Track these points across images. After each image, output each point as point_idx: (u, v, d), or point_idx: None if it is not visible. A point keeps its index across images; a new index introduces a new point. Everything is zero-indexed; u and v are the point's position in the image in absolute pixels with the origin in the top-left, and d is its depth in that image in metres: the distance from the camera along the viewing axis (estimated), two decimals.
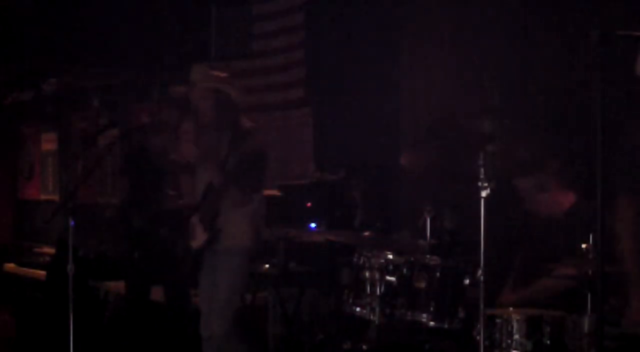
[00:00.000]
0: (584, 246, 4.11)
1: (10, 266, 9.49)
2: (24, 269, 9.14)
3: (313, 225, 6.30)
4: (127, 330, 6.82)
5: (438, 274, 4.38)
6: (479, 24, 6.19)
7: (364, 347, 4.62)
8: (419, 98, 6.70)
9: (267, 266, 6.20)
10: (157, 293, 6.62)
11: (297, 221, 6.43)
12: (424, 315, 4.35)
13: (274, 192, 6.74)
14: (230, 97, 5.15)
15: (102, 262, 7.93)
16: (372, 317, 4.48)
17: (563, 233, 4.78)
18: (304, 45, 7.74)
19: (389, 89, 6.95)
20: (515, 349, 4.15)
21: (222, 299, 5.10)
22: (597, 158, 3.13)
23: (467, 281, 4.36)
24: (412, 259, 4.46)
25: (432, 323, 4.35)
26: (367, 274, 4.53)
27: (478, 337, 4.05)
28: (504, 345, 4.16)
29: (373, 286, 4.49)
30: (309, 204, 6.51)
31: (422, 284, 4.38)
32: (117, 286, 7.29)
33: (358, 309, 4.58)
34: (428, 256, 4.49)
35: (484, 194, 3.97)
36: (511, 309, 4.39)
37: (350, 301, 4.63)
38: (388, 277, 4.48)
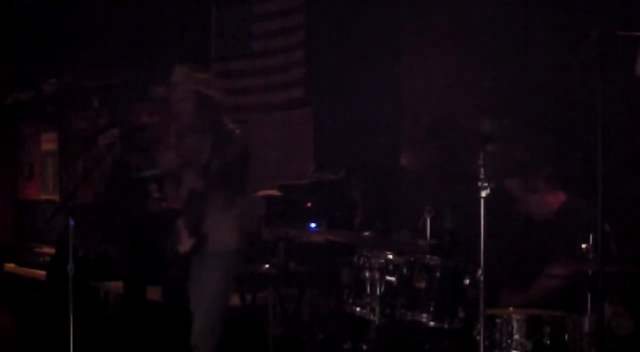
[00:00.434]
0: (584, 246, 4.11)
1: (10, 266, 9.50)
2: (24, 269, 9.15)
3: (313, 225, 6.30)
4: (126, 330, 6.83)
5: (438, 274, 4.38)
6: (479, 24, 6.19)
7: (364, 347, 4.62)
8: (419, 98, 6.70)
9: (267, 266, 6.20)
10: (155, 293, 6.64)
11: (297, 221, 6.43)
12: (424, 315, 4.35)
13: (274, 192, 6.74)
14: (211, 99, 5.07)
15: (102, 262, 7.93)
16: (372, 317, 4.48)
17: (555, 233, 4.79)
18: (304, 45, 7.74)
19: (389, 89, 6.95)
20: (515, 349, 4.15)
21: (207, 302, 5.06)
22: (597, 158, 3.13)
23: (467, 281, 4.36)
24: (412, 259, 4.46)
25: (432, 323, 4.35)
26: (367, 274, 4.53)
27: (478, 337, 4.05)
28: (504, 345, 4.16)
29: (373, 286, 4.49)
30: (309, 204, 6.51)
31: (422, 284, 4.38)
32: (117, 286, 7.29)
33: (358, 309, 4.58)
34: (428, 256, 4.49)
35: (484, 194, 3.97)
36: (511, 309, 4.39)
37: (350, 301, 4.63)
38: (388, 277, 4.48)
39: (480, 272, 3.96)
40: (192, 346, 5.06)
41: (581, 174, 5.10)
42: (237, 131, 5.14)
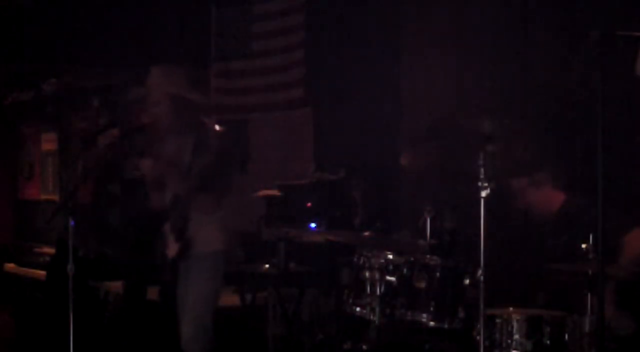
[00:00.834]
0: (584, 246, 4.11)
1: (10, 266, 9.49)
2: (24, 269, 9.15)
3: (313, 225, 6.30)
4: (126, 330, 6.84)
5: (438, 274, 4.38)
6: (479, 24, 6.19)
7: (364, 347, 4.62)
8: (419, 98, 6.70)
9: (267, 266, 6.20)
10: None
11: (297, 221, 6.43)
12: (424, 315, 4.35)
13: (274, 192, 6.74)
14: (188, 100, 4.98)
15: (102, 262, 7.93)
16: (372, 317, 4.48)
17: (556, 232, 4.79)
18: (304, 45, 7.74)
19: (389, 89, 6.95)
20: (515, 349, 4.15)
21: (195, 304, 5.03)
22: (597, 158, 3.13)
23: (467, 281, 4.36)
24: (412, 259, 4.46)
25: (432, 323, 4.35)
26: (367, 274, 4.53)
27: (478, 337, 4.05)
28: (504, 345, 4.17)
29: (373, 286, 4.49)
30: (309, 204, 6.51)
31: (422, 284, 4.38)
32: (117, 286, 7.29)
33: (358, 309, 4.58)
34: (428, 256, 4.49)
35: (484, 194, 3.97)
36: (511, 309, 4.39)
37: (350, 301, 4.63)
38: (388, 277, 4.48)
39: (480, 272, 3.96)
40: (182, 349, 5.04)
41: (581, 173, 5.10)
42: (218, 130, 5.10)
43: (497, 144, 4.09)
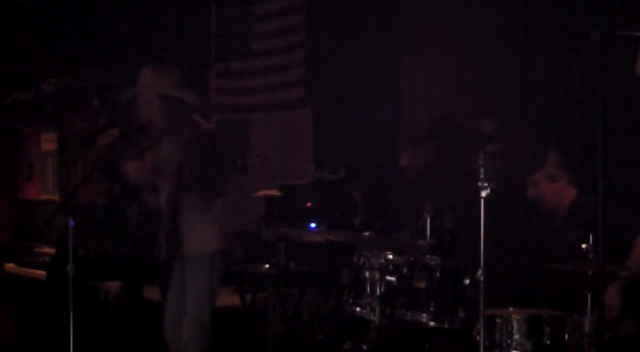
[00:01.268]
0: (584, 246, 4.11)
1: (10, 266, 9.49)
2: (24, 269, 9.15)
3: (313, 225, 6.30)
4: (126, 329, 6.84)
5: (438, 274, 4.39)
6: (479, 24, 6.19)
7: (364, 347, 4.62)
8: (419, 98, 6.70)
9: (267, 266, 6.20)
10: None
11: (297, 221, 6.43)
12: (424, 315, 4.35)
13: (274, 192, 6.74)
14: (179, 100, 4.95)
15: (102, 262, 7.93)
16: (372, 317, 4.48)
17: (563, 228, 4.79)
18: (304, 45, 7.74)
19: (389, 89, 6.95)
20: (515, 349, 4.15)
21: (192, 304, 5.02)
22: (597, 157, 3.13)
23: (467, 281, 4.36)
24: (412, 259, 4.46)
25: (432, 323, 4.35)
26: (367, 274, 4.53)
27: (478, 337, 4.05)
28: (504, 345, 4.16)
29: (373, 286, 4.49)
30: (309, 204, 6.51)
31: (422, 284, 4.38)
32: (117, 286, 7.29)
33: (358, 309, 4.58)
34: (428, 256, 4.49)
35: (484, 194, 3.98)
36: (511, 309, 4.39)
37: (350, 301, 4.63)
38: (388, 277, 4.48)
39: (480, 272, 3.96)
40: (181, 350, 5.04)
41: (581, 173, 5.10)
42: (211, 130, 5.08)
43: (497, 144, 4.09)
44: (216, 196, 4.99)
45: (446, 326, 4.35)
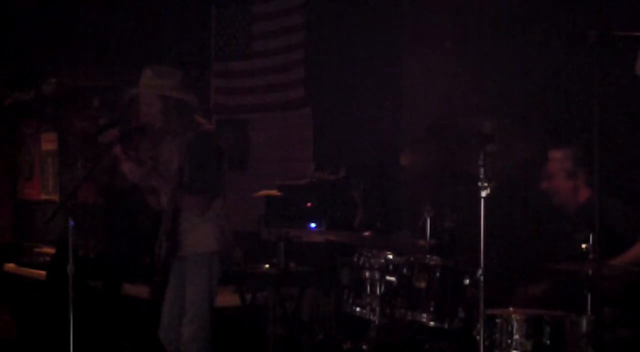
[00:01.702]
0: (583, 246, 4.11)
1: (10, 266, 9.49)
2: (24, 269, 9.14)
3: (313, 225, 6.30)
4: (126, 329, 6.84)
5: (438, 274, 4.38)
6: (479, 24, 6.19)
7: (364, 347, 4.62)
8: (419, 98, 6.70)
9: (267, 266, 6.20)
10: None
11: (297, 221, 6.43)
12: (424, 315, 4.35)
13: (274, 192, 6.74)
14: (180, 102, 4.96)
15: (102, 262, 7.93)
16: (372, 317, 4.48)
17: (569, 228, 4.78)
18: (304, 45, 7.74)
19: (389, 88, 6.95)
20: (515, 349, 4.15)
21: (191, 304, 5.02)
22: (595, 157, 3.14)
23: (467, 281, 4.36)
24: (412, 259, 4.46)
25: (432, 323, 4.35)
26: (367, 274, 4.53)
27: (478, 337, 4.05)
28: (504, 345, 4.16)
29: (373, 286, 4.49)
30: (309, 204, 6.51)
31: (422, 284, 4.38)
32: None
33: (358, 309, 4.58)
34: (428, 256, 4.49)
35: (484, 194, 3.98)
36: (511, 309, 4.39)
37: (350, 301, 4.63)
38: (388, 277, 4.48)
39: (480, 272, 3.96)
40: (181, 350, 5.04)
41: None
42: (213, 131, 5.08)
43: (497, 144, 4.09)
44: (214, 197, 4.99)
45: (446, 326, 4.35)
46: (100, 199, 8.89)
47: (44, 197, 11.37)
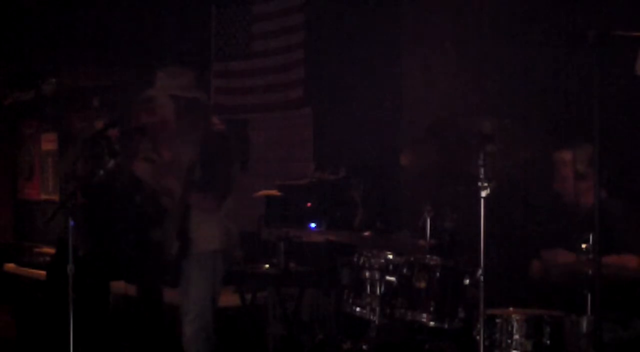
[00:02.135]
0: (583, 246, 4.11)
1: (10, 266, 9.49)
2: (24, 269, 9.14)
3: (313, 225, 6.30)
4: (127, 330, 6.84)
5: (438, 274, 4.38)
6: (479, 24, 6.19)
7: (364, 347, 4.62)
8: (419, 98, 6.70)
9: (267, 266, 6.20)
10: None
11: (297, 221, 6.43)
12: (424, 315, 4.35)
13: (274, 192, 6.74)
14: (194, 102, 5.02)
15: (102, 262, 7.92)
16: (372, 317, 4.48)
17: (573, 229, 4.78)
18: (304, 45, 7.74)
19: (389, 88, 6.95)
20: (515, 349, 4.15)
21: (193, 303, 5.04)
22: (595, 158, 3.14)
23: (467, 281, 4.36)
24: (412, 259, 4.46)
25: (432, 323, 4.35)
26: (367, 274, 4.53)
27: (478, 337, 4.05)
28: (504, 345, 4.16)
29: (373, 286, 4.49)
30: (309, 204, 6.51)
31: (422, 284, 4.38)
32: (118, 286, 7.29)
33: (358, 309, 4.58)
34: (428, 256, 4.49)
35: (484, 194, 3.98)
36: (511, 309, 4.39)
37: (350, 301, 4.63)
38: (388, 277, 4.48)
39: (480, 272, 3.96)
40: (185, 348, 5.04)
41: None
42: (224, 129, 5.10)
43: (497, 144, 4.09)
44: (225, 196, 5.02)
45: (446, 326, 4.35)
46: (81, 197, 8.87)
47: (44, 197, 11.37)
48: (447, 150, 4.44)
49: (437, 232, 4.99)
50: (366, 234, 5.09)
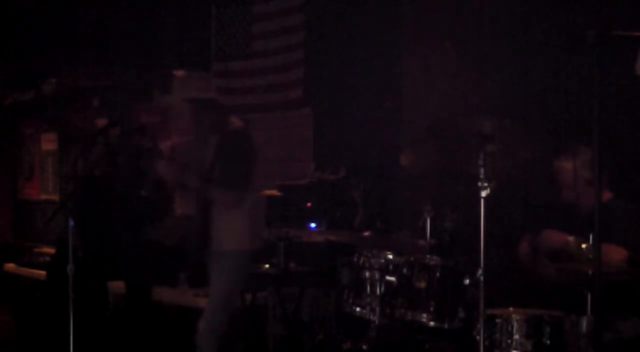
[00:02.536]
0: (583, 246, 4.11)
1: (10, 266, 9.49)
2: (24, 269, 9.14)
3: (313, 225, 6.30)
4: (127, 330, 6.84)
5: (438, 274, 4.39)
6: (479, 24, 6.19)
7: (364, 347, 4.62)
8: (419, 98, 6.70)
9: (267, 266, 6.20)
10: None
11: (297, 221, 6.43)
12: (424, 315, 4.35)
13: (274, 192, 6.74)
14: (211, 102, 5.09)
15: (102, 262, 7.92)
16: (372, 317, 4.48)
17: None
18: (303, 45, 7.74)
19: (389, 88, 6.95)
20: (515, 349, 4.15)
21: (211, 300, 5.08)
22: (595, 158, 3.14)
23: (467, 281, 4.36)
24: (412, 259, 4.46)
25: (432, 323, 4.35)
26: (367, 274, 4.53)
27: (478, 337, 4.05)
28: (504, 345, 4.16)
29: (373, 286, 4.49)
30: (309, 204, 6.51)
31: (422, 284, 4.38)
32: (117, 285, 7.29)
33: (358, 309, 4.58)
34: (428, 256, 4.49)
35: (484, 194, 3.98)
36: (511, 309, 4.39)
37: (350, 301, 4.63)
38: (388, 277, 4.48)
39: (480, 272, 3.96)
40: (196, 345, 5.07)
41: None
42: (242, 127, 5.15)
43: (497, 144, 4.09)
44: (245, 193, 5.04)
45: (446, 326, 4.35)
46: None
47: (44, 197, 11.37)
48: (447, 150, 4.44)
49: (437, 232, 4.99)
50: (366, 234, 5.10)
